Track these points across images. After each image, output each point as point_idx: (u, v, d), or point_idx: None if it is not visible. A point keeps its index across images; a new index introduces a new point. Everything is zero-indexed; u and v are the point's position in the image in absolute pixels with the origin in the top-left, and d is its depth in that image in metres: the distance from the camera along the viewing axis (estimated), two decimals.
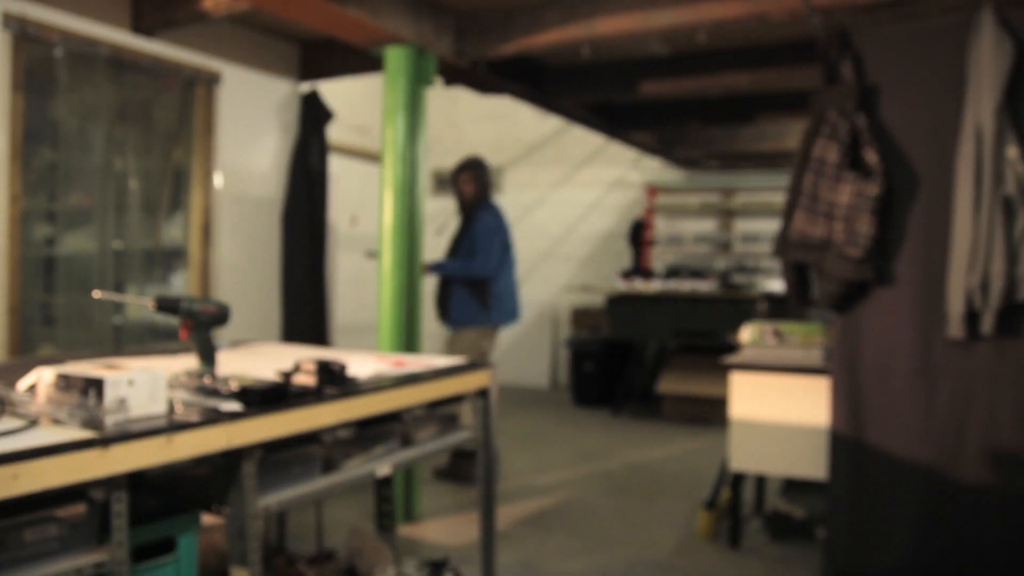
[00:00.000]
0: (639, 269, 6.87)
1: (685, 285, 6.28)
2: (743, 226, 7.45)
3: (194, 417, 1.53)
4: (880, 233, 2.64)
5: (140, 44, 3.63)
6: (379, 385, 1.98)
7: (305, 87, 4.51)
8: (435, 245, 4.88)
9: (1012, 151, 2.47)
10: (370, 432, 2.00)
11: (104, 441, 1.34)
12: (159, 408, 1.52)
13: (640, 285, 6.35)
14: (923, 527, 2.67)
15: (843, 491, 2.80)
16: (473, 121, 7.80)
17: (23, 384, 1.61)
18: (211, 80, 3.98)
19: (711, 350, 5.52)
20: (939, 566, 2.65)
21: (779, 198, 3.89)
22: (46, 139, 3.41)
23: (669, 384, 6.05)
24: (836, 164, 2.66)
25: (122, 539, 1.40)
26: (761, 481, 3.69)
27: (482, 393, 2.39)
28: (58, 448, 1.28)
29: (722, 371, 3.22)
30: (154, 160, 3.89)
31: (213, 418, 1.54)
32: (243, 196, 4.23)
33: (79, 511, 1.37)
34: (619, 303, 6.32)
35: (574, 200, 7.67)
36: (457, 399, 2.33)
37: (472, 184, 4.22)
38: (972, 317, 2.55)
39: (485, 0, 3.49)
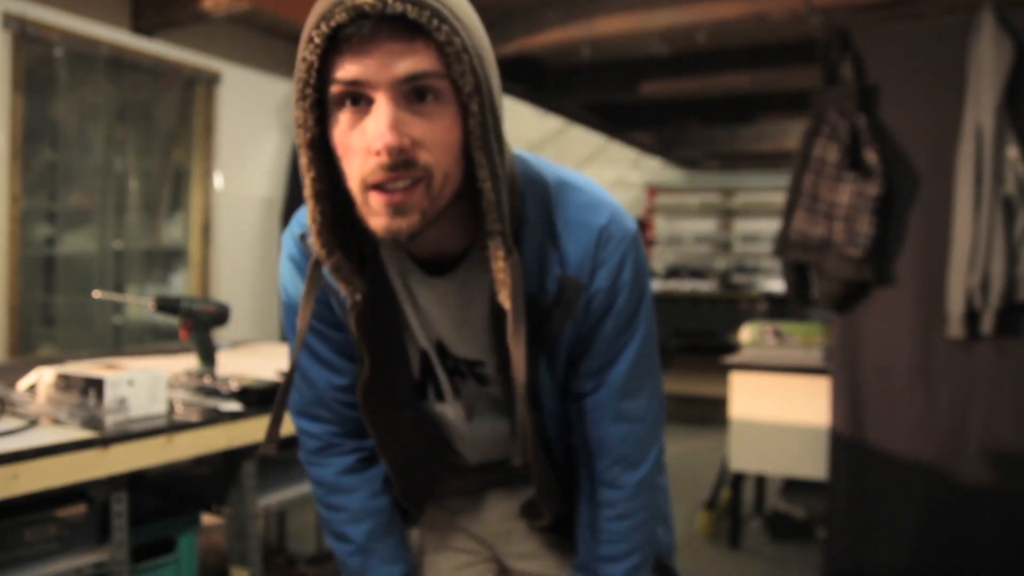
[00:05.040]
0: None
1: (685, 285, 6.28)
2: (743, 226, 7.46)
3: (194, 417, 1.53)
4: (880, 233, 2.64)
5: (140, 44, 3.63)
6: None
7: None
8: None
9: (1012, 151, 2.47)
10: None
11: (104, 441, 1.34)
12: (159, 408, 1.52)
13: None
14: (923, 527, 2.67)
15: (843, 491, 2.80)
16: None
17: (23, 384, 1.61)
18: (211, 80, 3.98)
19: (711, 350, 5.53)
20: (939, 566, 2.65)
21: (779, 198, 3.89)
22: (46, 139, 3.41)
23: (669, 384, 6.02)
24: (836, 164, 2.66)
25: (122, 539, 1.40)
26: (761, 481, 3.68)
27: None
28: (58, 448, 1.28)
29: (722, 371, 3.22)
30: (154, 160, 3.89)
31: (213, 418, 1.55)
32: (243, 196, 4.22)
33: (79, 511, 1.37)
34: None
35: None
36: None
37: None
38: (972, 317, 2.55)
39: (485, 0, 3.49)
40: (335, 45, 0.70)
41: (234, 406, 1.61)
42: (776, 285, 6.64)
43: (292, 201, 4.41)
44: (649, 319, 0.93)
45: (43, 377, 1.54)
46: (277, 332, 4.41)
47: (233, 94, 4.09)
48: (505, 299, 0.79)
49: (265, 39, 4.28)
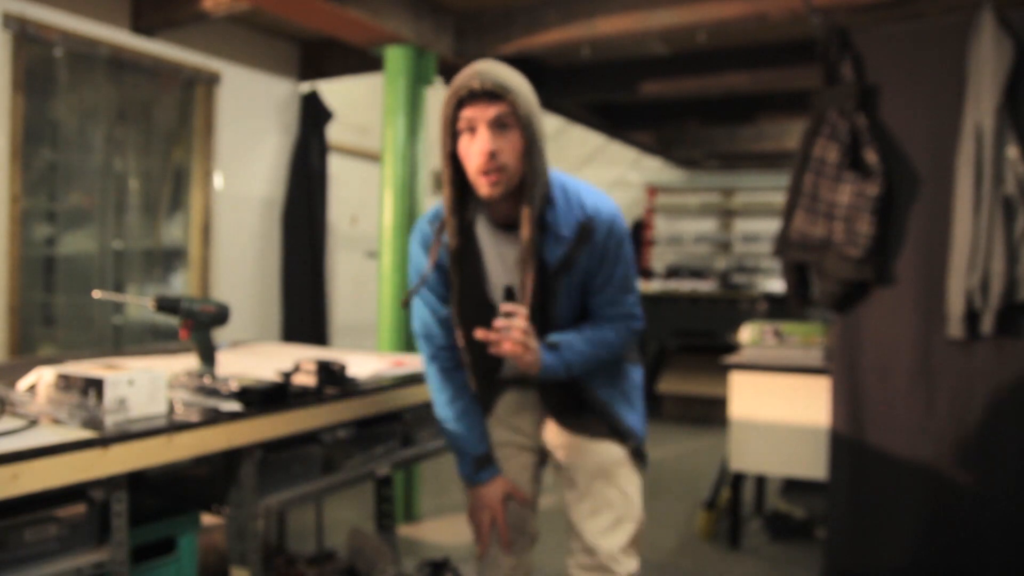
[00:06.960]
0: (639, 269, 6.87)
1: (685, 285, 6.29)
2: (743, 226, 7.46)
3: (194, 417, 1.53)
4: (880, 233, 2.64)
5: (140, 44, 3.63)
6: (379, 385, 1.98)
7: (305, 87, 4.50)
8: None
9: (1012, 151, 2.47)
10: (370, 432, 2.00)
11: (104, 441, 1.34)
12: (159, 408, 1.52)
13: (640, 285, 6.36)
14: (923, 527, 2.67)
15: (843, 491, 2.80)
16: None
17: (23, 384, 1.61)
18: (211, 80, 3.98)
19: (711, 350, 5.53)
20: (939, 566, 2.65)
21: (779, 198, 3.89)
22: (46, 139, 3.41)
23: (669, 384, 6.04)
24: (836, 164, 2.66)
25: (122, 539, 1.40)
26: (761, 481, 3.68)
27: None
28: (58, 448, 1.28)
29: (722, 371, 3.22)
30: (154, 160, 3.89)
31: (213, 418, 1.55)
32: (243, 196, 4.22)
33: (79, 511, 1.37)
34: None
35: None
36: None
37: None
38: (972, 317, 2.55)
39: (485, 0, 3.49)
40: (459, 103, 1.45)
41: (234, 406, 1.61)
42: (776, 285, 6.64)
43: (292, 201, 4.41)
44: (628, 256, 1.68)
45: (43, 377, 1.54)
46: (277, 332, 4.41)
47: (233, 94, 4.10)
48: (525, 237, 1.50)
49: (265, 39, 4.28)
